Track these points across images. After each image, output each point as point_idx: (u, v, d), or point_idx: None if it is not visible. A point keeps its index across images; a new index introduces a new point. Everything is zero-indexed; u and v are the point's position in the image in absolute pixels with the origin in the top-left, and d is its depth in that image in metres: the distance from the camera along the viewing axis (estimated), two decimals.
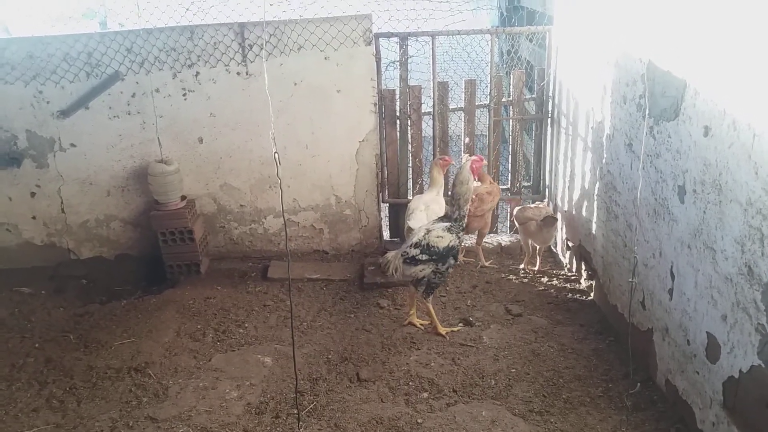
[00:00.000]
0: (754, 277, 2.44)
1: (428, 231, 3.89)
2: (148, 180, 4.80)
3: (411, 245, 3.88)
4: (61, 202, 5.09)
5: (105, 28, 6.59)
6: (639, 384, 3.38)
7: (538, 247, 4.90)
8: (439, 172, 4.68)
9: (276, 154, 1.96)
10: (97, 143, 4.94)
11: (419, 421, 3.19)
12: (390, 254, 3.95)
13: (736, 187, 2.55)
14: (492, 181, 5.05)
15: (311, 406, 3.35)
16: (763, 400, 2.39)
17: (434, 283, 3.94)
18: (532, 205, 4.90)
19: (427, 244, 3.84)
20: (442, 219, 4.00)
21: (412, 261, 3.86)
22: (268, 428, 3.20)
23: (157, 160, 4.86)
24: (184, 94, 4.87)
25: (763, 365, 2.40)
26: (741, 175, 2.51)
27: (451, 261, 3.92)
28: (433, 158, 4.99)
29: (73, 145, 4.94)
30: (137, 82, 4.81)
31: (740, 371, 2.56)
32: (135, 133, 4.94)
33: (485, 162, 4.69)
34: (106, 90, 4.80)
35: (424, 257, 3.84)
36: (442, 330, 4.03)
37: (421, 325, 4.12)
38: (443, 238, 3.85)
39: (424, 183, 5.32)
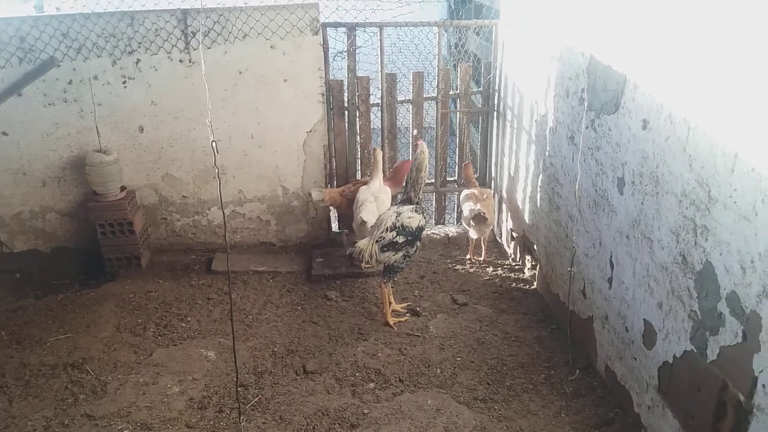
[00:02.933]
0: (688, 265, 2.53)
1: (398, 213, 3.91)
2: (86, 170, 4.62)
3: (385, 229, 3.86)
4: None
5: (41, 11, 6.30)
6: (578, 371, 3.47)
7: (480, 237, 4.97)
8: (380, 162, 4.71)
9: (213, 143, 1.90)
10: (31, 132, 4.72)
11: (365, 411, 3.19)
12: (361, 243, 3.88)
13: (672, 179, 2.63)
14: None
15: (256, 399, 3.31)
16: (695, 384, 2.49)
17: (399, 268, 3.98)
18: (476, 196, 4.94)
19: (402, 225, 3.86)
20: (404, 203, 4.01)
21: (390, 246, 3.84)
22: (211, 423, 3.14)
23: (96, 150, 4.68)
24: (124, 82, 4.70)
25: (695, 350, 2.50)
26: (676, 167, 2.59)
27: (418, 244, 4.00)
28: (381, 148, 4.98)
29: (4, 133, 4.69)
30: (74, 69, 4.61)
31: (674, 356, 2.66)
32: (72, 121, 4.74)
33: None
34: (41, 76, 4.58)
35: (401, 239, 3.85)
36: (391, 320, 4.03)
37: (394, 324, 4.04)
38: (414, 218, 3.92)
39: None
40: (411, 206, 3.96)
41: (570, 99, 3.69)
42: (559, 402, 3.25)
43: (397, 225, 3.86)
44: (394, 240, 3.84)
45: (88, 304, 4.25)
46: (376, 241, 3.85)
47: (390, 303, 4.14)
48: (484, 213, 4.69)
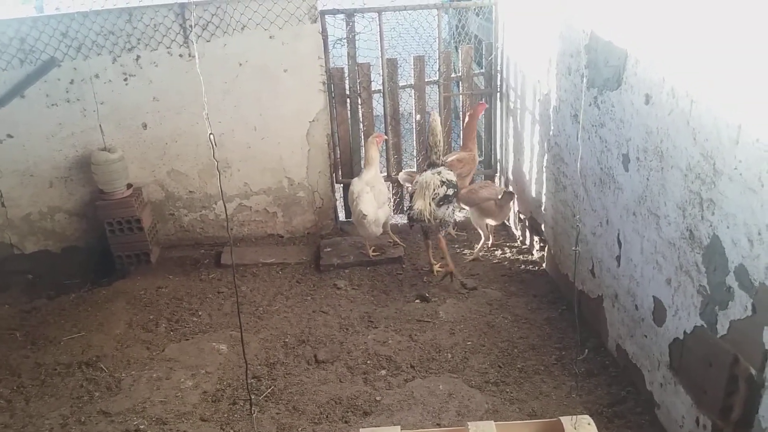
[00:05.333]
0: (695, 240, 2.50)
1: (438, 172, 4.21)
2: (92, 169, 4.64)
3: (435, 187, 4.15)
4: (1, 196, 4.88)
5: (41, 12, 6.30)
6: (588, 351, 3.46)
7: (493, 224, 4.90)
8: (375, 150, 4.64)
9: (211, 135, 1.89)
10: (36, 133, 4.74)
11: (378, 398, 3.20)
12: (417, 203, 4.15)
13: (677, 154, 2.60)
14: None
15: (269, 390, 3.33)
16: (706, 360, 2.47)
17: (449, 221, 4.39)
18: (480, 184, 4.88)
19: (447, 180, 4.20)
20: (430, 167, 4.29)
21: (443, 200, 4.17)
22: (225, 415, 3.17)
23: (100, 148, 4.69)
24: (125, 79, 4.70)
25: (705, 325, 2.48)
26: (680, 141, 2.56)
27: (454, 200, 4.38)
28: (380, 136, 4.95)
29: (9, 135, 4.72)
30: (75, 68, 4.62)
31: (685, 332, 2.64)
32: (75, 121, 4.75)
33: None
34: (42, 77, 4.60)
35: (450, 191, 4.20)
36: (439, 269, 4.45)
37: (438, 271, 4.45)
38: (450, 173, 4.30)
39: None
40: (438, 168, 4.26)
41: (572, 77, 3.65)
42: (571, 383, 3.24)
43: (444, 180, 4.18)
44: (446, 194, 4.18)
45: (100, 303, 4.29)
46: (432, 199, 4.14)
47: (437, 263, 4.49)
48: (510, 190, 4.78)
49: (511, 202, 4.73)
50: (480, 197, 4.63)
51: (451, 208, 4.29)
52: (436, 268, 4.48)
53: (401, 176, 5.09)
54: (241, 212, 5.18)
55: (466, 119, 4.97)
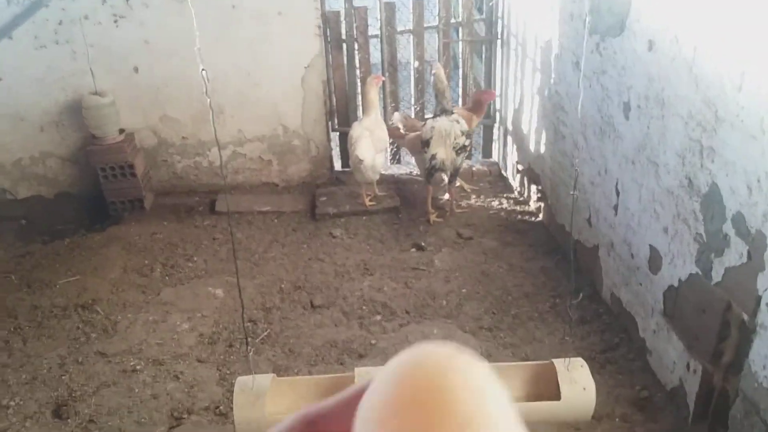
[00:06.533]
0: (694, 188, 2.50)
1: (456, 121, 4.23)
2: (83, 114, 4.55)
3: (458, 136, 4.18)
4: None
5: None
6: (582, 294, 3.49)
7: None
8: (375, 93, 4.55)
9: (204, 72, 1.84)
10: (25, 76, 4.62)
11: (373, 342, 3.24)
12: (439, 152, 4.17)
13: (678, 101, 2.56)
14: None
15: (265, 333, 3.36)
16: (700, 306, 2.49)
17: (460, 169, 4.47)
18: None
19: (465, 130, 4.26)
20: (443, 113, 4.27)
21: (462, 149, 4.24)
22: (222, 357, 3.20)
23: (91, 92, 4.58)
24: (115, 21, 4.57)
25: (700, 273, 2.49)
26: (682, 88, 2.52)
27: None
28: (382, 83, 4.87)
29: None
30: (63, 9, 4.48)
31: (679, 280, 2.66)
32: (65, 64, 4.63)
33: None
34: (30, 17, 4.46)
35: (467, 141, 4.30)
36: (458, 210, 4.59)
37: (435, 221, 4.48)
38: (463, 121, 4.33)
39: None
40: (450, 116, 4.27)
41: (574, 23, 3.57)
42: (565, 329, 3.28)
43: (461, 130, 4.22)
44: (465, 144, 4.24)
45: (95, 248, 4.28)
46: (453, 148, 4.19)
47: (430, 210, 4.53)
48: None
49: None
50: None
51: (463, 156, 4.34)
52: (434, 218, 4.48)
53: (395, 116, 5.00)
54: (235, 159, 5.12)
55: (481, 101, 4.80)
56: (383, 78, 4.79)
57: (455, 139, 4.17)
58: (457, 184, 4.73)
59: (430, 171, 4.26)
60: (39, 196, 5.03)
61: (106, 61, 4.65)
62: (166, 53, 4.67)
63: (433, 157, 4.18)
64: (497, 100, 5.32)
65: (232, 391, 1.98)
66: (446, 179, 4.31)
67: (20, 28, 4.48)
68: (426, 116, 5.05)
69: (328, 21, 4.85)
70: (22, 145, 4.85)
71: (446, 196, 4.69)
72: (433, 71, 4.34)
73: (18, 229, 4.75)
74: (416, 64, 5.17)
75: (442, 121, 4.21)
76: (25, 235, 4.67)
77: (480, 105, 4.74)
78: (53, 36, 4.55)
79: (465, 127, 4.27)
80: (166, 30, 4.60)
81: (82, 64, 4.61)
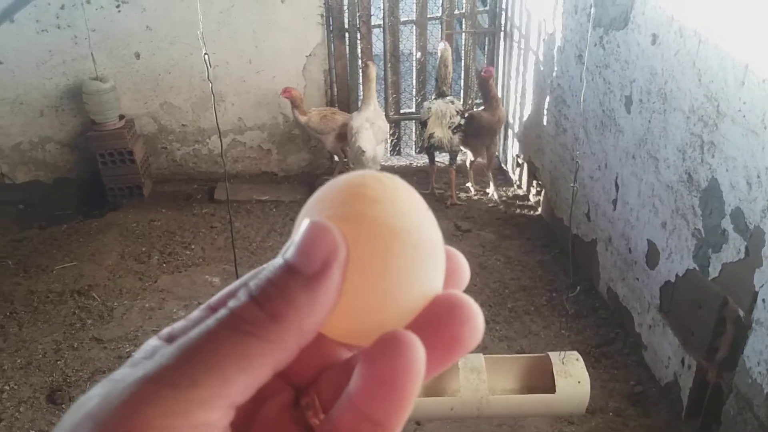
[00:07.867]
0: (693, 183, 2.48)
1: (451, 102, 4.44)
2: (83, 99, 4.53)
3: (453, 115, 4.38)
4: None
5: None
6: (579, 288, 3.48)
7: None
8: (374, 74, 4.48)
9: (206, 56, 1.82)
10: (26, 60, 4.61)
11: None
12: (437, 132, 4.39)
13: (680, 95, 2.54)
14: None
15: None
16: (696, 302, 2.48)
17: (458, 151, 4.63)
18: (332, 110, 4.74)
19: (461, 110, 4.48)
20: (439, 97, 4.49)
21: (457, 128, 4.43)
22: None
23: (92, 78, 4.57)
24: (117, 6, 4.54)
25: (697, 268, 2.48)
26: (685, 82, 2.50)
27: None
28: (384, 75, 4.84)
29: None
30: None
31: (676, 275, 2.65)
32: (66, 48, 4.61)
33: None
34: (32, 1, 4.43)
35: (462, 121, 4.45)
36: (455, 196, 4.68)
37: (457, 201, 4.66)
38: (458, 103, 4.56)
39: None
40: (447, 98, 4.48)
41: (578, 15, 3.54)
42: (561, 322, 3.28)
43: (458, 111, 4.43)
44: (459, 123, 4.42)
45: (92, 234, 4.27)
46: (448, 127, 4.39)
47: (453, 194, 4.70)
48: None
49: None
50: (337, 124, 4.63)
51: (458, 135, 4.49)
52: (455, 200, 4.66)
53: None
54: (234, 148, 5.11)
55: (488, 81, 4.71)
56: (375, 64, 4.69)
57: (450, 118, 4.40)
58: (468, 184, 4.90)
59: (429, 149, 4.62)
60: (37, 181, 5.02)
61: (107, 47, 4.64)
62: (167, 40, 4.65)
63: (431, 135, 4.45)
64: (499, 92, 5.28)
65: None
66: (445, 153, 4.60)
67: (22, 12, 4.45)
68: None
69: (331, 10, 4.81)
70: (22, 129, 4.83)
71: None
72: (439, 51, 4.47)
73: (16, 214, 4.74)
74: (418, 55, 5.14)
75: (439, 103, 4.45)
76: (22, 219, 4.66)
77: (488, 88, 4.56)
78: (55, 20, 4.53)
79: (460, 107, 4.51)
80: (168, 16, 4.58)
81: (83, 49, 4.59)
